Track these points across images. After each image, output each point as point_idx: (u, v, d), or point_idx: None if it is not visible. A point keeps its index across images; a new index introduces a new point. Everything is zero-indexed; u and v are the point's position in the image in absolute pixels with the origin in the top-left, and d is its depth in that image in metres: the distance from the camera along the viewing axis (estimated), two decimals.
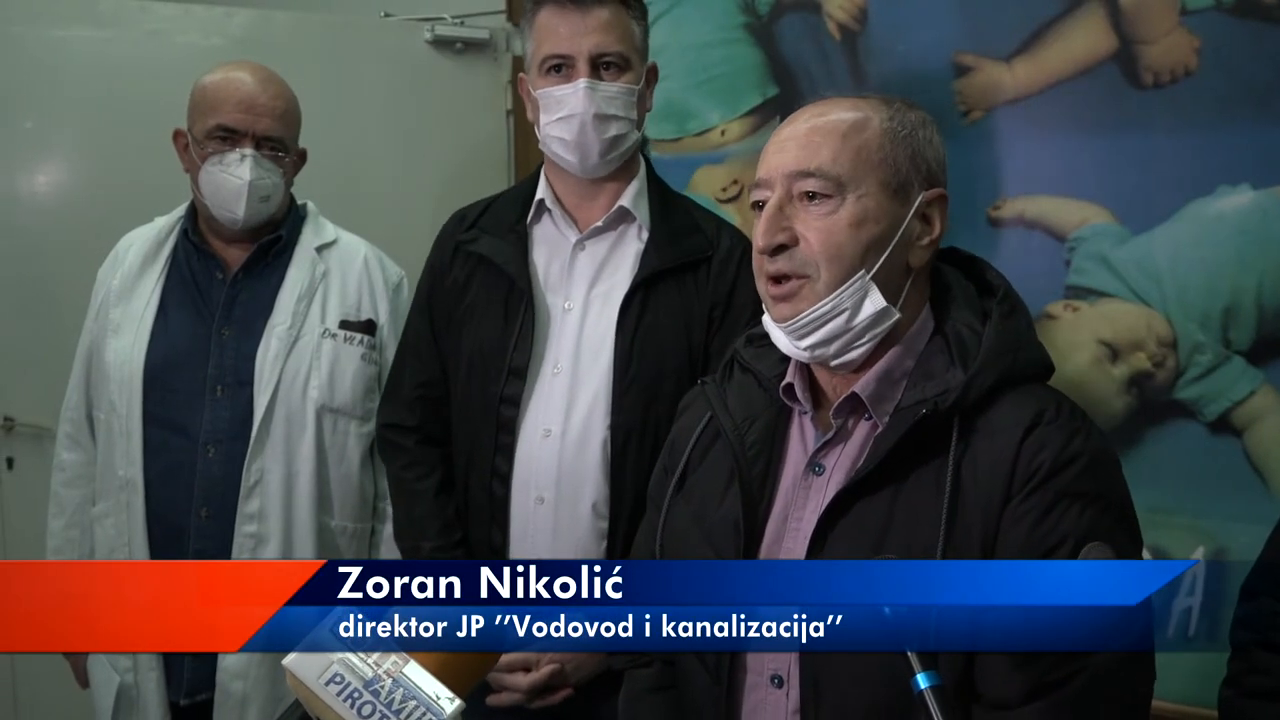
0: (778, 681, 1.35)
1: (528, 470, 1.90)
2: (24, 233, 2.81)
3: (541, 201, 1.97)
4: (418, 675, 1.10)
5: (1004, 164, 2.28)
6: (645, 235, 1.94)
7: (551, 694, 1.87)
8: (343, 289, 2.19)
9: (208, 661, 2.08)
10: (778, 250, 1.35)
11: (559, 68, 1.90)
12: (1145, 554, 2.12)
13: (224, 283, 2.14)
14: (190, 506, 2.08)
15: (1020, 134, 2.27)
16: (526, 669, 1.86)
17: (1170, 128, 2.11)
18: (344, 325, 2.17)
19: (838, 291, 1.34)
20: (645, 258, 1.92)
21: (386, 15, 3.08)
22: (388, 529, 2.20)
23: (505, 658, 1.83)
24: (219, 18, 2.89)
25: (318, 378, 2.13)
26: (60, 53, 2.80)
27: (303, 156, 2.19)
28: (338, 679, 1.10)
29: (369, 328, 2.19)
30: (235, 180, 2.08)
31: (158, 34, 2.85)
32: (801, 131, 1.37)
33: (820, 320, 1.35)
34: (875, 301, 1.34)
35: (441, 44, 3.03)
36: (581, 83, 1.87)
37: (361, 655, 1.10)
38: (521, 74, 1.99)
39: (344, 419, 2.15)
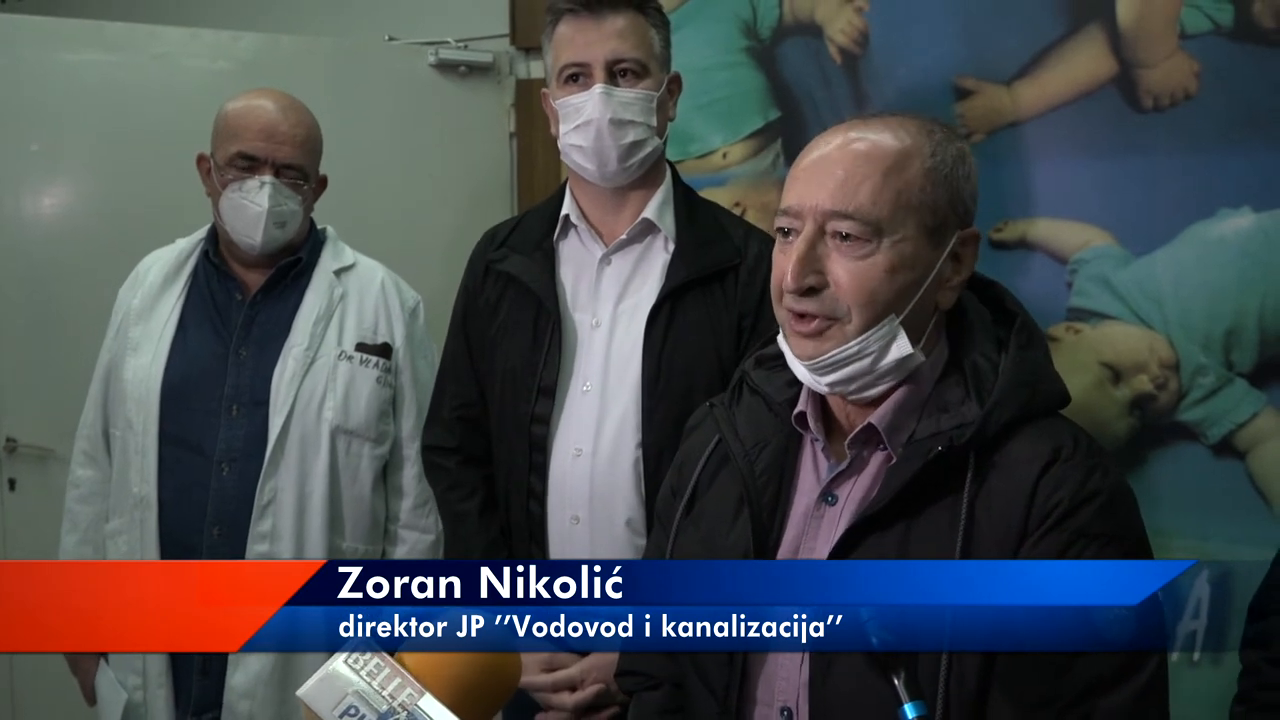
0: (787, 714, 1.32)
1: (561, 490, 1.89)
2: (30, 255, 2.82)
3: (567, 217, 1.96)
4: (432, 708, 1.09)
5: (1005, 187, 2.28)
6: (672, 247, 1.92)
7: (597, 713, 1.84)
8: (360, 312, 2.20)
9: (215, 679, 2.08)
10: (808, 291, 1.30)
11: (576, 76, 1.89)
12: None
13: (243, 304, 2.16)
14: (203, 525, 2.08)
15: (1021, 157, 2.27)
16: (572, 688, 1.84)
17: (1171, 150, 2.11)
18: (360, 348, 2.17)
19: (866, 334, 1.30)
20: (671, 269, 1.90)
21: (391, 39, 3.11)
22: (398, 551, 2.21)
23: (550, 677, 1.83)
24: (226, 41, 2.91)
25: (333, 399, 2.13)
26: (68, 76, 2.82)
27: (323, 183, 2.21)
28: (352, 711, 1.09)
29: (385, 351, 2.20)
30: (254, 207, 2.09)
31: (165, 58, 2.87)
32: (839, 159, 1.30)
33: (845, 361, 1.31)
34: (902, 346, 1.30)
35: (445, 68, 3.05)
36: (597, 88, 1.87)
37: (377, 687, 1.09)
38: (544, 89, 1.98)
39: (358, 441, 2.15)
